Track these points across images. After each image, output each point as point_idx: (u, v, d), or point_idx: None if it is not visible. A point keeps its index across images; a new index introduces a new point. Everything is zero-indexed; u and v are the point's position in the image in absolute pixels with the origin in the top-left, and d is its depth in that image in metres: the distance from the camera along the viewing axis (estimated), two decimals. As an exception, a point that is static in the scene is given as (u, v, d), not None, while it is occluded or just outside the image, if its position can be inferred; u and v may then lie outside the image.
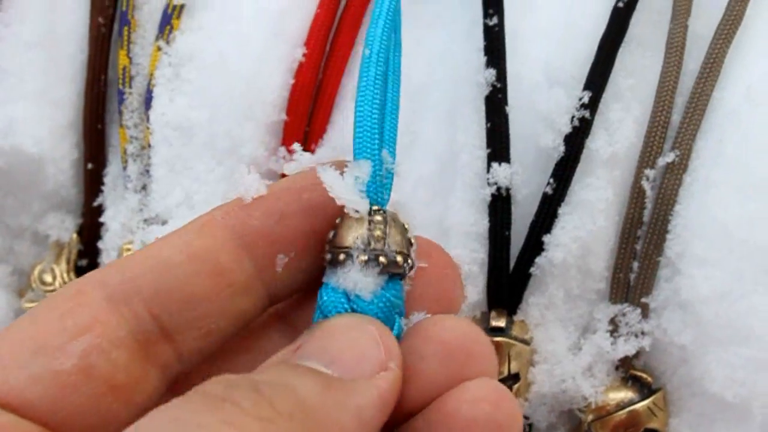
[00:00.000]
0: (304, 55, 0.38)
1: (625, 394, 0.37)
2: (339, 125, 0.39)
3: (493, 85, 0.37)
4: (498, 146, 0.37)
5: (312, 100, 0.39)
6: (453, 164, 0.38)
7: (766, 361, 0.35)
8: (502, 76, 0.38)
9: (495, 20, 0.38)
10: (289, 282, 0.27)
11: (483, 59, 0.38)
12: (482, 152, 0.38)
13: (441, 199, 0.38)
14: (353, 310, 0.28)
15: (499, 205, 0.37)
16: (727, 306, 0.35)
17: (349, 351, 0.25)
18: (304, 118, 0.38)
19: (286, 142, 0.38)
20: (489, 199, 0.37)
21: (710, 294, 0.36)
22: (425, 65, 0.40)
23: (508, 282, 0.37)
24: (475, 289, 0.37)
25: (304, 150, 0.38)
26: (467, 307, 0.38)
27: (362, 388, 0.24)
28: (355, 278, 0.28)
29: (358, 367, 0.25)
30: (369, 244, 0.28)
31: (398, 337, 0.27)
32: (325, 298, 0.28)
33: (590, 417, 0.37)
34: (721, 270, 0.36)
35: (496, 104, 0.37)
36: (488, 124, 0.37)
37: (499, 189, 0.37)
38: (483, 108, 0.38)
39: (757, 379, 0.35)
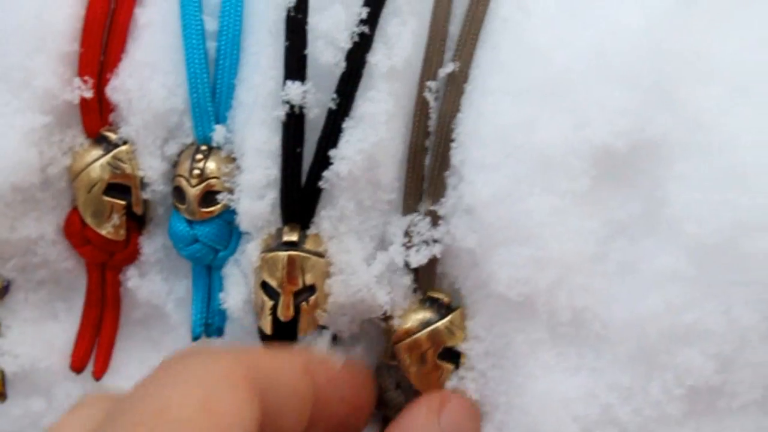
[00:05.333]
0: (95, -15, 0.39)
1: (423, 315, 0.38)
2: (132, 55, 0.40)
3: (296, 4, 0.38)
4: (294, 65, 0.38)
5: (105, 30, 0.39)
6: (248, 85, 0.39)
7: (545, 260, 0.36)
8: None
9: None
10: None
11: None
12: (276, 72, 0.39)
13: (234, 119, 0.40)
14: (196, 236, 0.39)
15: (292, 122, 0.38)
16: (507, 208, 0.36)
17: None
18: (98, 48, 0.39)
19: (82, 72, 0.39)
20: (282, 117, 0.38)
21: (491, 198, 0.37)
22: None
23: (299, 197, 0.38)
24: (268, 205, 0.38)
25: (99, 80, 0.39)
26: (262, 224, 0.39)
27: None
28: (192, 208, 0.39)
29: None
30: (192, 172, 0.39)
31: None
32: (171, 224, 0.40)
33: (392, 339, 0.38)
34: (499, 174, 0.37)
35: (296, 23, 0.38)
36: (287, 43, 0.38)
37: (292, 107, 0.38)
38: (276, 29, 0.39)
39: (538, 278, 0.36)
